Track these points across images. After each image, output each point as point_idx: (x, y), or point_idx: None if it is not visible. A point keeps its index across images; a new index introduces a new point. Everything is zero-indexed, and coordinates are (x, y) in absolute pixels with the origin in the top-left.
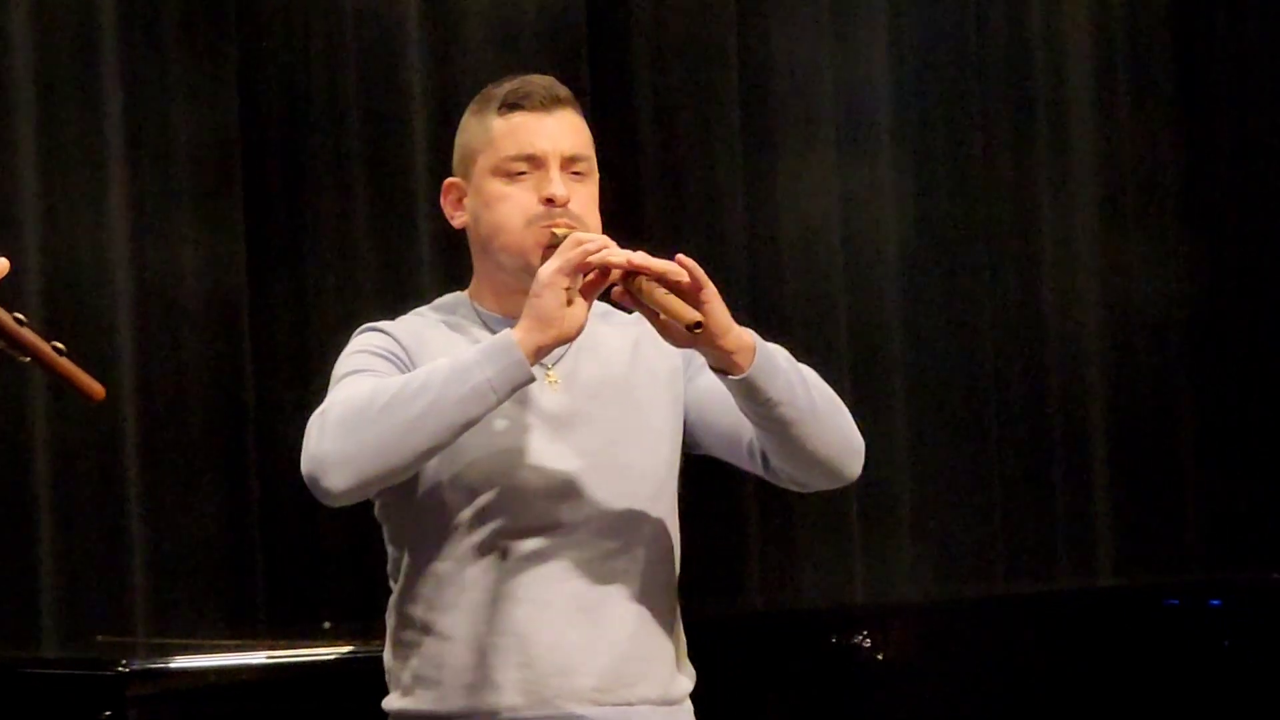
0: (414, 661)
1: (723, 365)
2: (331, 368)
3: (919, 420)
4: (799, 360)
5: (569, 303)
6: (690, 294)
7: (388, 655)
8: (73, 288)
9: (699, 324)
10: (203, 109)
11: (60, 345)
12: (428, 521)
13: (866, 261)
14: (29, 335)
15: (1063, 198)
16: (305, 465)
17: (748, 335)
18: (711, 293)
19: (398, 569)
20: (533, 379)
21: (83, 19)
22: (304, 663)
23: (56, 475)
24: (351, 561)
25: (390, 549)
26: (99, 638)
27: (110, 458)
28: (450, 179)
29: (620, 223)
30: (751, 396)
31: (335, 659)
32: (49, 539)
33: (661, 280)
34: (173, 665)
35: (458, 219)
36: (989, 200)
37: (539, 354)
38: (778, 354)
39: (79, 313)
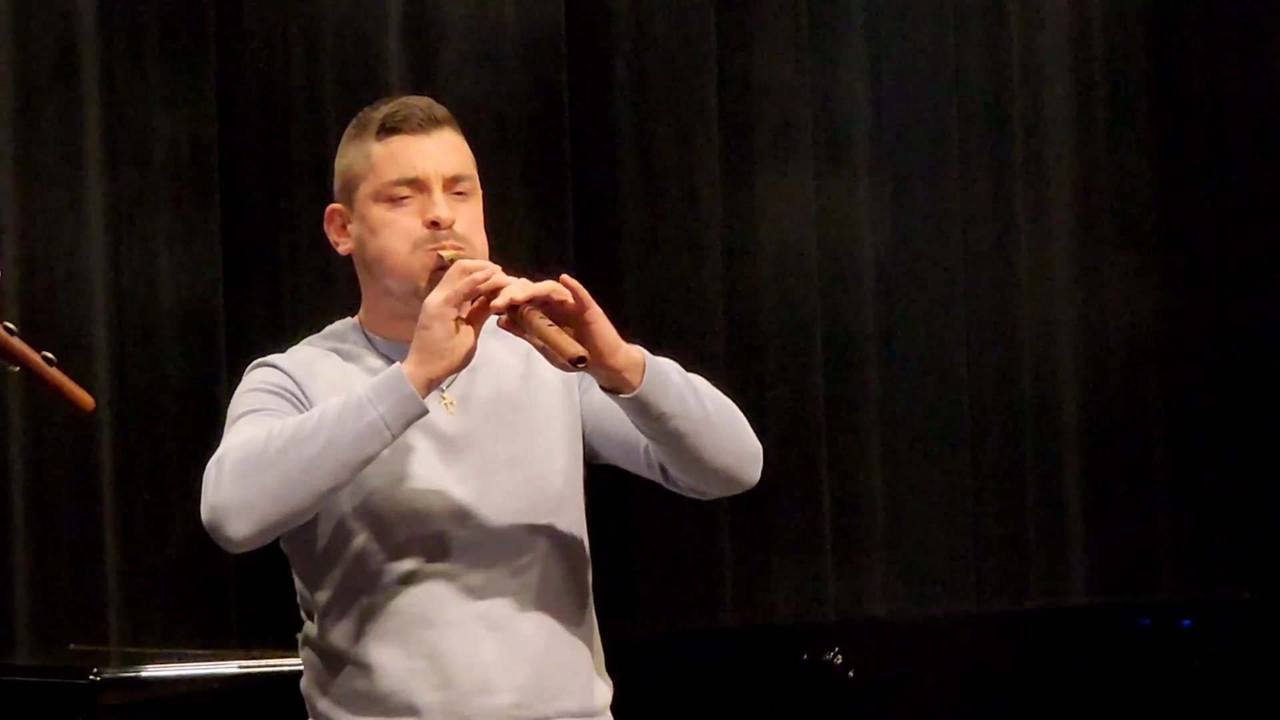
0: (333, 691)
1: (613, 384)
2: None
3: (893, 437)
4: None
5: (457, 331)
6: (575, 315)
7: (306, 684)
8: (49, 296)
9: (582, 358)
10: (181, 118)
11: (50, 355)
12: (334, 552)
13: (843, 279)
14: (19, 345)
15: (1039, 218)
16: (205, 515)
17: (636, 352)
18: (596, 313)
19: (309, 602)
20: (425, 412)
21: (62, 27)
22: (276, 673)
23: (31, 483)
24: None
25: (298, 582)
26: (72, 646)
27: (85, 467)
28: (332, 205)
29: (598, 239)
30: (644, 413)
31: None
32: (23, 547)
33: (546, 303)
34: (145, 674)
35: (343, 245)
36: (965, 219)
37: (430, 385)
38: (669, 368)
39: (55, 322)
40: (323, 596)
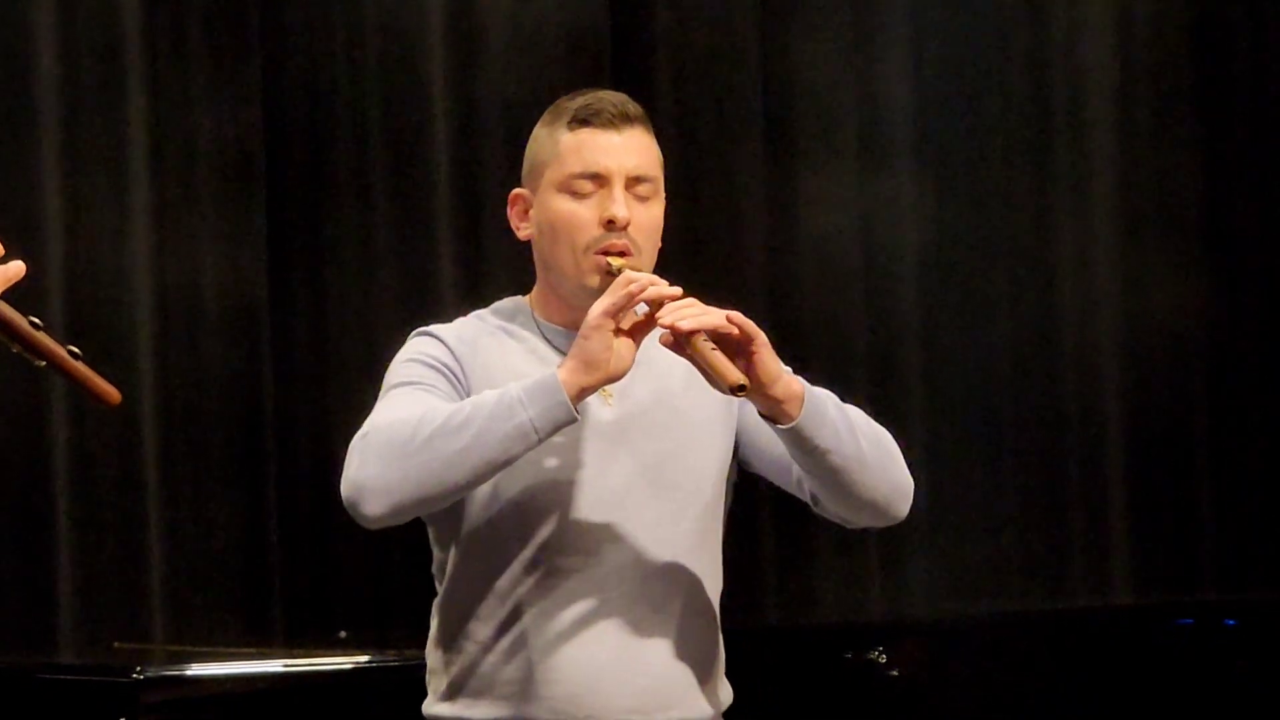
0: (454, 668)
1: (771, 413)
2: (350, 377)
3: (935, 436)
4: (815, 378)
5: (615, 343)
6: (741, 345)
7: (431, 655)
8: (94, 294)
9: (742, 386)
10: (226, 116)
11: (76, 349)
12: (474, 530)
13: (885, 276)
14: (44, 340)
15: (1082, 214)
16: (345, 489)
17: (797, 384)
18: (762, 343)
19: (442, 571)
20: (575, 420)
21: (107, 26)
22: (320, 672)
23: (75, 481)
24: (368, 571)
25: (435, 549)
26: (115, 645)
27: (129, 464)
28: (516, 190)
29: None
30: (799, 445)
31: (351, 668)
32: (67, 545)
33: (712, 334)
34: (188, 673)
35: (523, 230)
36: (1008, 215)
37: (583, 394)
38: (827, 401)
39: (100, 319)
40: (455, 568)
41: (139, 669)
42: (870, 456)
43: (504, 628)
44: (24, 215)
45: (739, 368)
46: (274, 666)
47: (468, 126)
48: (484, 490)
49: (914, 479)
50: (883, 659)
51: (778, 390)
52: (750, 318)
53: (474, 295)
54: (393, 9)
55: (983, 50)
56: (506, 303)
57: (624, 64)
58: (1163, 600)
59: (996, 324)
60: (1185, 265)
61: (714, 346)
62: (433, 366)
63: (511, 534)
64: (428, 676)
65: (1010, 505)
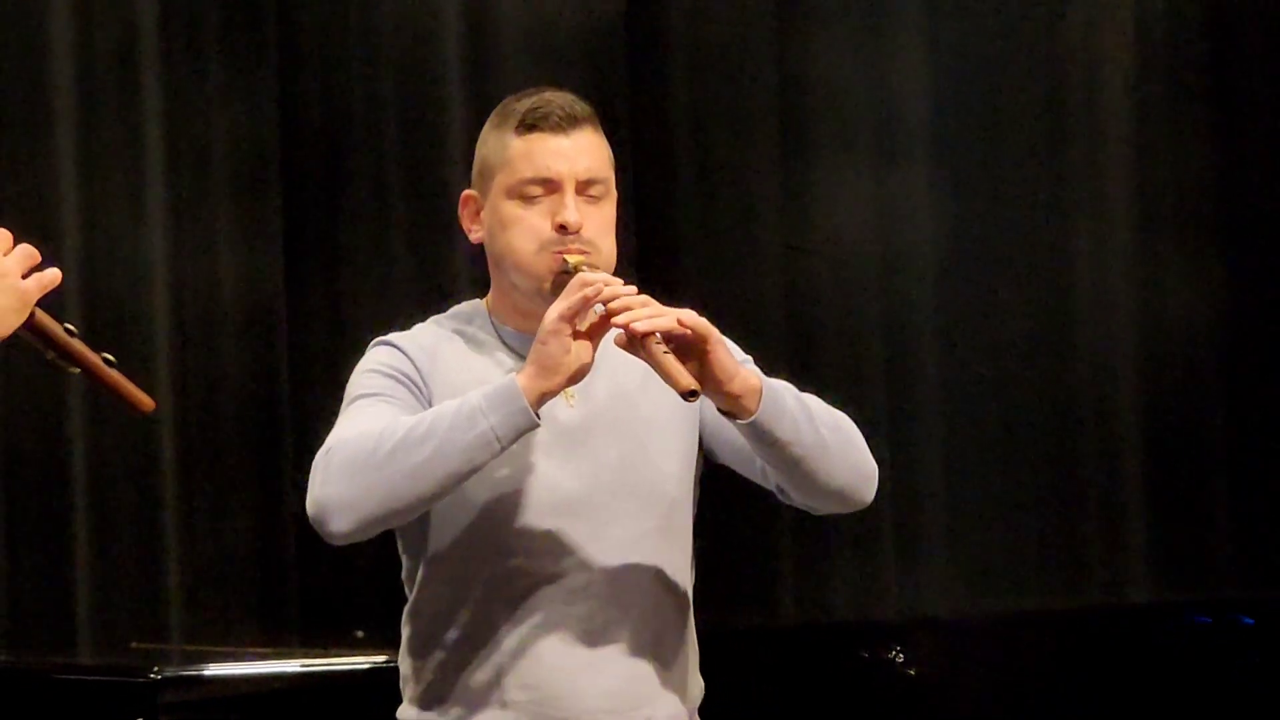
0: (426, 675)
1: (730, 409)
2: None
3: (952, 434)
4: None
5: (573, 345)
6: (695, 346)
7: (403, 663)
8: (110, 294)
9: (694, 392)
10: (241, 116)
11: (110, 357)
12: (441, 536)
13: (901, 273)
14: (79, 347)
15: (1097, 211)
16: (310, 507)
17: (754, 378)
18: (716, 340)
19: (412, 579)
20: (537, 425)
21: (123, 25)
22: (337, 672)
23: (93, 482)
24: (385, 571)
25: (405, 559)
26: (133, 645)
27: (146, 465)
28: (467, 191)
29: (657, 235)
30: (760, 438)
31: (368, 668)
32: (85, 546)
33: (666, 335)
34: (205, 673)
35: (475, 233)
36: (1024, 213)
37: (543, 399)
38: (784, 393)
39: (116, 319)
40: (425, 578)
41: (156, 669)
42: (832, 444)
43: (474, 633)
44: (41, 216)
45: (693, 369)
46: (291, 666)
47: (483, 126)
48: (449, 498)
49: (930, 478)
50: (899, 657)
51: (734, 386)
52: (766, 316)
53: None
54: (408, 9)
55: (998, 47)
56: (464, 306)
57: (639, 63)
58: (1180, 598)
59: (1013, 321)
60: (1202, 262)
61: (667, 349)
62: (393, 377)
63: (478, 540)
64: (401, 684)
65: (1027, 503)
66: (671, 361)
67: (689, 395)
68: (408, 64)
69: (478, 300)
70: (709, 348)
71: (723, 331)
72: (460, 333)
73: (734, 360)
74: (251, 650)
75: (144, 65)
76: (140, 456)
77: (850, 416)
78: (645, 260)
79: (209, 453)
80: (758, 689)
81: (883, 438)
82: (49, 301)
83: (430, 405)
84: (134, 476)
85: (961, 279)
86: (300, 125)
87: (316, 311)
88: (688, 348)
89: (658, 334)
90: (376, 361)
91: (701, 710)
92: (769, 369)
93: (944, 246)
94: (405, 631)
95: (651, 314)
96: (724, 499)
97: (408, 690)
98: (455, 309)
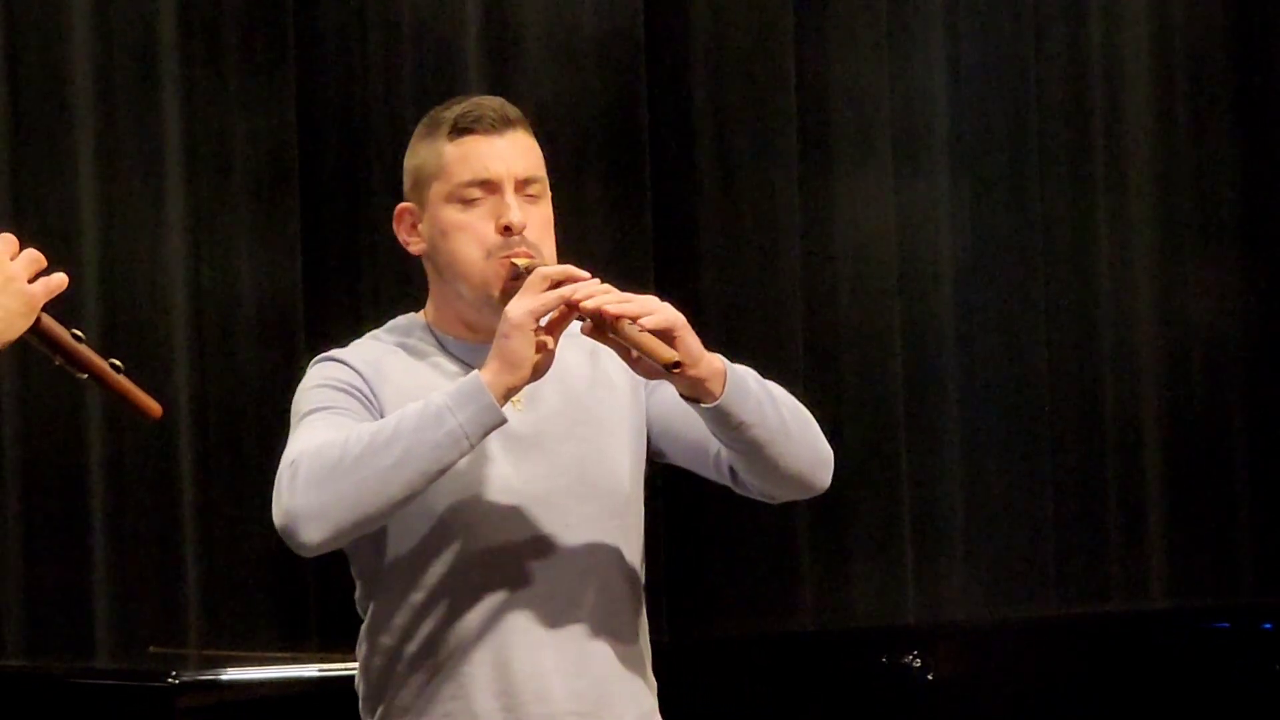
0: (390, 691)
1: (695, 393)
2: None
3: (972, 440)
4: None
5: (536, 341)
6: (664, 332)
7: (363, 682)
8: (129, 299)
9: (678, 363)
10: (260, 122)
11: (118, 362)
12: (397, 551)
13: (922, 280)
14: (86, 352)
15: (1119, 218)
16: (278, 519)
17: (718, 361)
18: (682, 326)
19: (369, 597)
20: (504, 421)
21: (142, 32)
22: (354, 676)
23: (111, 487)
24: None
25: (359, 581)
26: (151, 649)
27: (164, 469)
28: (402, 204)
29: (677, 241)
30: (724, 422)
31: None
32: (103, 550)
33: (634, 320)
34: (223, 677)
35: (414, 245)
36: (1045, 220)
37: (509, 394)
38: (747, 376)
39: (135, 324)
40: (383, 595)
41: (174, 673)
42: (793, 427)
43: (438, 645)
44: (60, 221)
45: None
46: (309, 671)
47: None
48: (406, 509)
49: (950, 484)
50: (918, 663)
51: (701, 370)
52: (786, 322)
53: None
54: (428, 13)
55: (1019, 53)
56: (400, 320)
57: (659, 68)
58: (1199, 604)
59: (1034, 327)
60: (1224, 268)
61: (641, 328)
62: (343, 390)
63: (435, 551)
64: (360, 705)
65: (1047, 509)
66: (649, 337)
67: (673, 367)
68: (427, 69)
69: (413, 314)
70: (677, 333)
71: (742, 337)
72: (402, 345)
73: (700, 345)
74: (269, 655)
75: (163, 70)
76: (158, 461)
77: (870, 423)
78: (665, 267)
79: (227, 457)
80: (777, 694)
81: (901, 442)
82: (60, 306)
83: (383, 417)
84: (152, 481)
85: (982, 286)
86: (319, 130)
87: (336, 316)
88: (657, 334)
89: (628, 318)
90: (323, 377)
91: (722, 716)
92: (788, 376)
93: (964, 252)
94: (362, 650)
95: (620, 299)
96: (745, 506)
97: (372, 709)
98: (391, 323)
